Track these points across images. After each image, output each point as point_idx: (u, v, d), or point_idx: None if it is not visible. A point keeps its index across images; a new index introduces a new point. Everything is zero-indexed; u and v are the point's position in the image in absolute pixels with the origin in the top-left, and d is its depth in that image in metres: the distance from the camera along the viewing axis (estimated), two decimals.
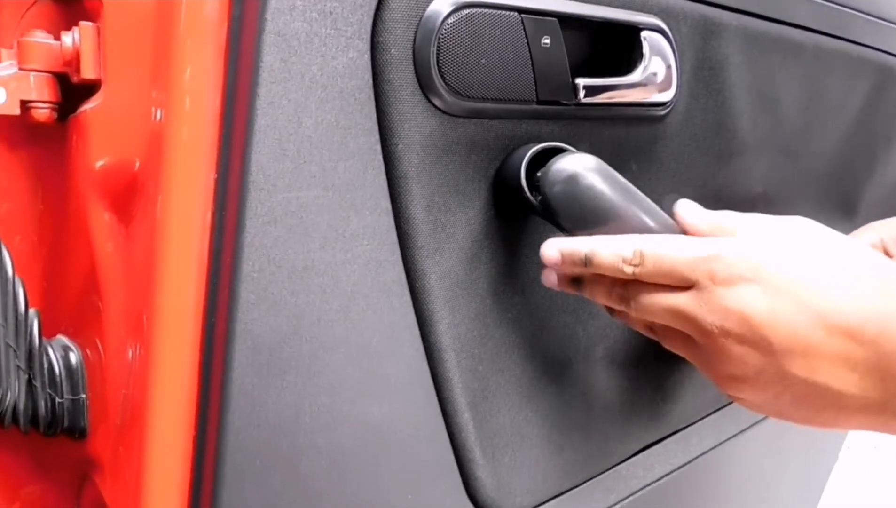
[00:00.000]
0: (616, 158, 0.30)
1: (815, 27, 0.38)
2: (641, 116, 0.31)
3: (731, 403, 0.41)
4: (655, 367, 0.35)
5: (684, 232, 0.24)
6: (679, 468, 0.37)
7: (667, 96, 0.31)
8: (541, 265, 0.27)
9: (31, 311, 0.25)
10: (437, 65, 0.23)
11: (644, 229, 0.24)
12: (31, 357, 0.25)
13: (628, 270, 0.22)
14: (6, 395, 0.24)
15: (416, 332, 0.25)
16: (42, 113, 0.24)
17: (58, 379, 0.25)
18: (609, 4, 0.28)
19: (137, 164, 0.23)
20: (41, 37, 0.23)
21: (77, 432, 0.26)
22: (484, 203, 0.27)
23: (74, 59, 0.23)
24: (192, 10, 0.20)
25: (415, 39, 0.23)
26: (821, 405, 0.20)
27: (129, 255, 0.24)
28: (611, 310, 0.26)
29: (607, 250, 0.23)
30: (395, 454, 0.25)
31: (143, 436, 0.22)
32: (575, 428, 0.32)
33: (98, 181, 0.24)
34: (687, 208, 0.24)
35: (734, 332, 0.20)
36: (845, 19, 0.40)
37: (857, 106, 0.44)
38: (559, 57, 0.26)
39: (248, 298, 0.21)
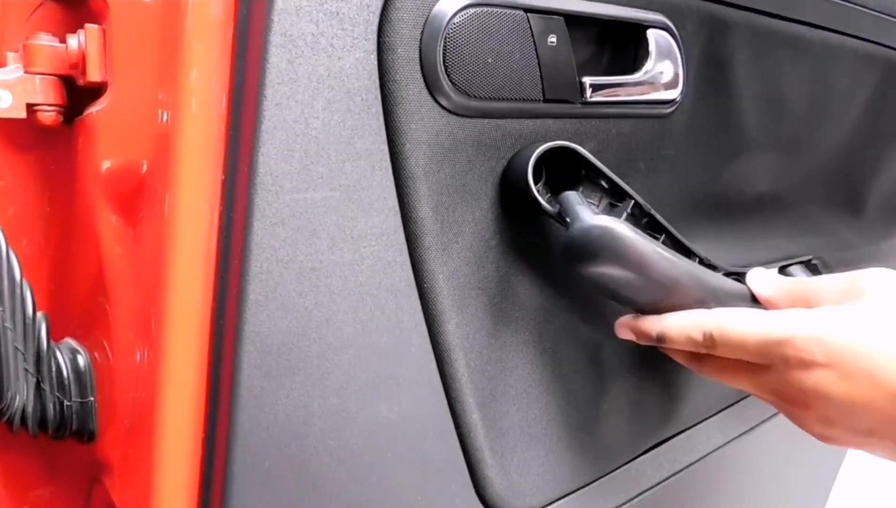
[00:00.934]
0: (623, 155, 0.30)
1: (821, 23, 0.38)
2: (648, 113, 0.31)
3: (739, 401, 0.41)
4: (663, 366, 0.35)
5: (759, 302, 0.24)
6: (688, 466, 0.37)
7: (673, 94, 0.31)
8: (549, 267, 0.27)
9: (39, 314, 0.25)
10: (444, 64, 0.23)
11: (679, 281, 0.23)
12: (40, 360, 0.25)
13: (702, 350, 0.23)
14: (15, 398, 0.24)
15: (425, 332, 0.25)
16: (48, 116, 0.24)
17: (66, 382, 0.25)
18: (615, 3, 0.28)
19: (145, 166, 0.23)
20: (46, 40, 0.23)
21: (86, 435, 0.26)
22: (491, 202, 0.27)
23: (80, 62, 0.23)
24: (198, 12, 0.20)
25: (421, 39, 0.22)
26: None
27: (137, 257, 0.24)
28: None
29: (677, 331, 0.24)
30: (404, 454, 0.25)
31: (152, 438, 0.22)
32: (584, 427, 0.32)
33: (105, 184, 0.24)
34: (759, 279, 0.24)
35: (815, 410, 0.22)
36: (851, 15, 0.40)
37: (864, 102, 0.43)
38: (566, 55, 0.26)
39: (257, 299, 0.21)
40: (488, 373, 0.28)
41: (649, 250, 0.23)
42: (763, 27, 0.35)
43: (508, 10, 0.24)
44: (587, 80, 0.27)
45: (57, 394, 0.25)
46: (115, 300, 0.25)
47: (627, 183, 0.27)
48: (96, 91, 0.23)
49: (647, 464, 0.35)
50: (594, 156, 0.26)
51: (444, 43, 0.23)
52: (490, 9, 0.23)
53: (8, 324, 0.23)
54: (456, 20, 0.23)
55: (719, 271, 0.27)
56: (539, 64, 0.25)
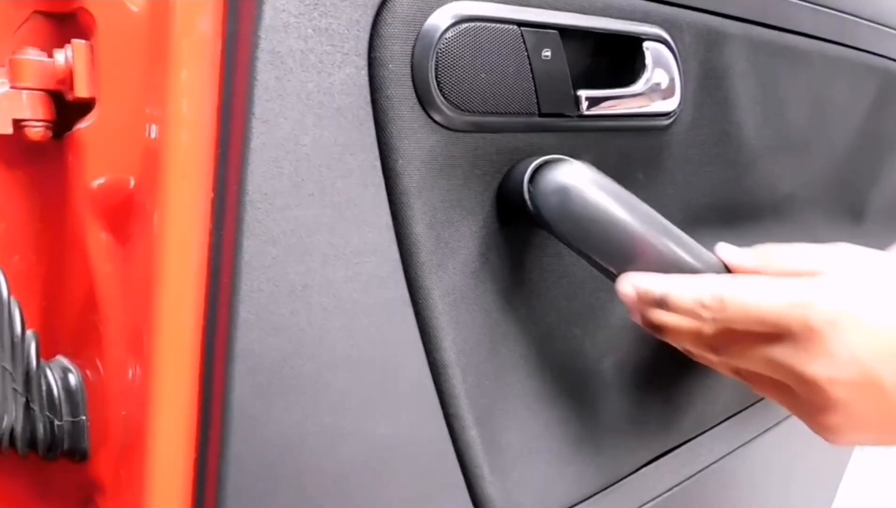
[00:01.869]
0: (621, 168, 0.30)
1: (818, 34, 0.38)
2: (646, 126, 0.30)
3: (740, 412, 0.41)
4: (664, 378, 0.34)
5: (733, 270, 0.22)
6: (690, 477, 0.37)
7: (670, 106, 0.30)
8: (546, 280, 0.26)
9: (29, 332, 0.24)
10: (437, 80, 0.23)
11: (645, 241, 0.23)
12: (29, 380, 0.24)
13: (706, 314, 0.21)
14: (2, 419, 0.23)
15: (421, 348, 0.25)
16: (36, 132, 0.23)
17: (57, 401, 0.25)
18: (611, 15, 0.27)
19: (133, 182, 0.22)
20: (34, 54, 0.23)
21: (78, 454, 0.26)
22: (487, 217, 0.26)
23: (68, 78, 0.22)
24: (185, 28, 0.20)
25: (413, 54, 0.22)
26: None
27: (128, 274, 0.23)
28: (689, 350, 0.24)
29: (684, 291, 0.21)
30: (401, 472, 0.25)
31: (144, 457, 0.22)
32: (584, 441, 0.31)
33: (94, 201, 0.23)
34: (734, 251, 0.22)
35: (841, 379, 0.19)
36: (849, 26, 0.40)
37: (862, 112, 0.43)
38: (561, 69, 0.25)
39: (248, 318, 0.21)
40: (485, 389, 0.27)
41: (593, 194, 0.22)
42: (760, 39, 0.34)
43: (502, 25, 0.24)
44: (583, 93, 0.27)
45: (47, 414, 0.25)
46: (107, 318, 0.25)
47: None
48: (85, 106, 0.23)
49: (649, 476, 0.35)
50: (600, 173, 0.26)
51: (437, 58, 0.22)
52: (483, 23, 0.23)
53: None
54: (448, 35, 0.22)
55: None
56: (533, 78, 0.25)
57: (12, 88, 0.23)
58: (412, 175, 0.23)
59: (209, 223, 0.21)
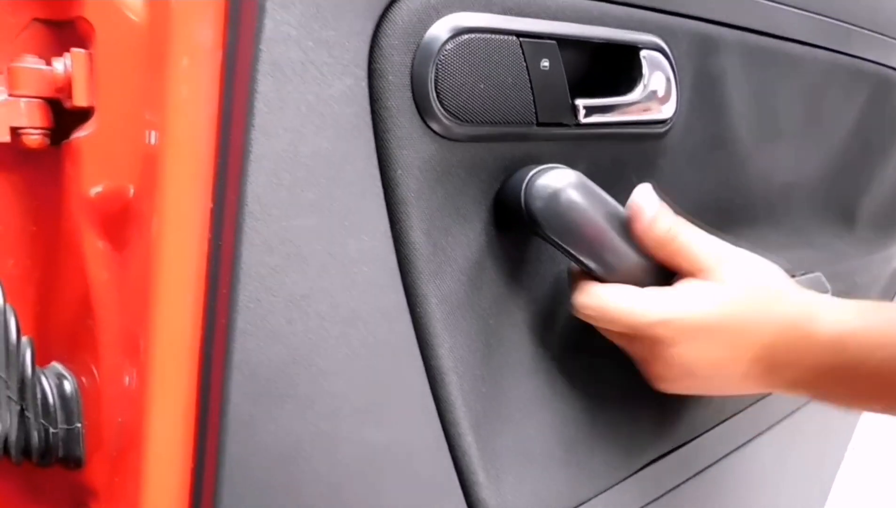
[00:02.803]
0: (617, 175, 0.30)
1: (812, 41, 0.38)
2: (642, 133, 0.31)
3: (734, 415, 0.41)
4: None
5: (638, 235, 0.27)
6: (686, 480, 0.37)
7: (667, 113, 0.31)
8: (542, 286, 0.27)
9: (24, 339, 0.24)
10: (436, 90, 0.23)
11: (620, 247, 0.26)
12: (24, 387, 0.24)
13: (593, 323, 0.29)
14: None
15: (418, 355, 0.25)
16: (34, 140, 0.23)
17: (52, 409, 0.25)
18: (607, 24, 0.28)
19: (131, 191, 0.22)
20: (32, 62, 0.23)
21: (73, 462, 0.26)
22: (484, 225, 0.26)
23: (66, 86, 0.22)
24: (185, 38, 0.20)
25: (412, 65, 0.22)
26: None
27: (125, 282, 0.23)
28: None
29: (577, 305, 0.28)
30: (397, 478, 0.25)
31: (140, 464, 0.22)
32: (579, 445, 0.31)
33: (91, 208, 0.23)
34: (643, 208, 0.26)
35: (669, 375, 0.28)
36: (842, 33, 0.40)
37: (855, 118, 0.44)
38: (558, 79, 0.26)
39: (245, 328, 0.21)
40: (482, 394, 0.28)
41: (580, 198, 0.25)
42: (754, 46, 0.35)
43: (501, 36, 0.24)
44: (580, 102, 0.27)
45: (42, 421, 0.25)
46: (103, 325, 0.25)
47: (621, 203, 0.27)
48: (83, 114, 0.23)
49: (646, 480, 0.35)
50: (588, 177, 0.26)
51: (436, 69, 0.23)
52: (482, 35, 0.23)
53: None
54: (448, 47, 0.23)
55: None
56: (532, 88, 0.25)
57: (10, 95, 0.23)
58: (410, 184, 0.23)
59: (208, 232, 0.21)
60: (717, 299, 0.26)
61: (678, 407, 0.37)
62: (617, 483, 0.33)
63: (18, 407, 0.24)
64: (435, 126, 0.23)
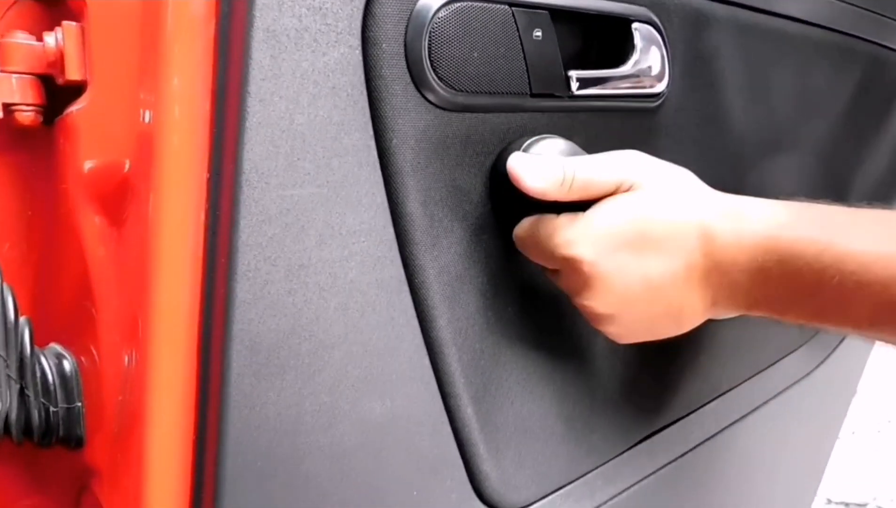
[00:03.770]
0: (612, 149, 0.30)
1: (804, 18, 0.38)
2: (635, 107, 0.31)
3: (731, 390, 0.42)
4: (656, 356, 0.35)
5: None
6: (682, 455, 0.37)
7: (659, 87, 0.31)
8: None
9: (22, 319, 0.24)
10: (430, 59, 0.23)
11: None
12: (23, 367, 0.24)
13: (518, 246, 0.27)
14: None
15: (417, 327, 0.25)
16: (26, 116, 0.23)
17: (51, 388, 0.25)
18: None
19: (127, 165, 0.22)
20: (23, 38, 0.23)
21: (73, 441, 0.26)
22: (481, 197, 0.27)
23: (58, 61, 0.22)
24: (178, 8, 0.20)
25: (406, 34, 0.22)
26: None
27: (122, 258, 0.23)
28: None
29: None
30: (398, 450, 0.25)
31: (141, 442, 0.22)
32: (578, 419, 0.32)
33: (87, 184, 0.23)
34: (530, 170, 0.25)
35: (601, 310, 0.26)
36: (835, 10, 0.41)
37: (848, 96, 0.44)
38: (551, 49, 0.26)
39: (245, 297, 0.21)
40: (482, 368, 0.28)
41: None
42: (747, 22, 0.35)
43: (493, 5, 0.24)
44: (573, 74, 0.27)
45: (42, 400, 0.25)
46: (101, 303, 0.24)
47: None
48: (76, 90, 0.23)
49: (643, 454, 0.35)
50: (583, 150, 0.27)
51: (429, 38, 0.23)
52: (474, 3, 0.23)
53: None
54: (440, 14, 0.23)
55: None
56: (525, 58, 0.25)
57: (1, 72, 0.22)
58: (406, 154, 0.23)
59: (205, 204, 0.21)
60: (632, 206, 0.24)
61: (676, 382, 0.37)
62: (615, 457, 0.34)
63: (18, 386, 0.24)
64: (430, 95, 0.23)
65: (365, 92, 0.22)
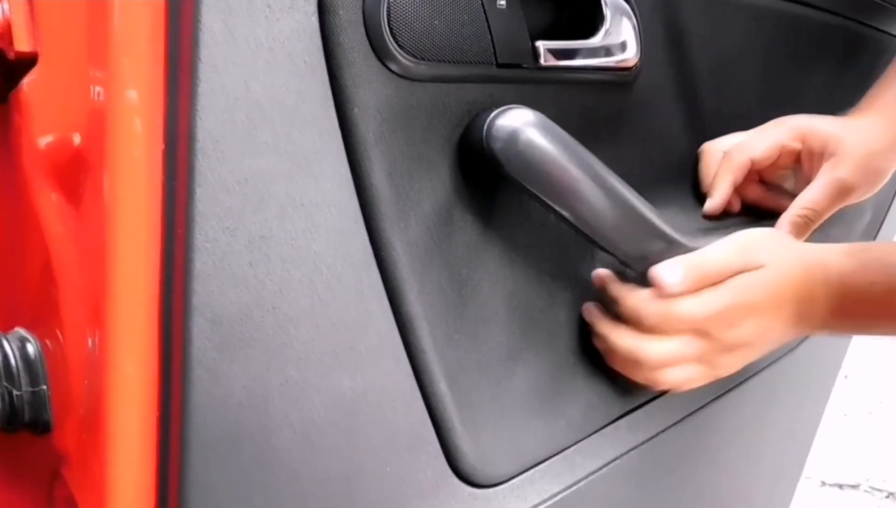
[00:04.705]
0: (584, 124, 0.30)
1: None
2: (606, 80, 0.31)
3: None
4: None
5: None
6: (664, 430, 0.38)
7: (631, 60, 0.31)
8: (517, 237, 0.28)
9: None
10: (389, 27, 0.22)
11: (586, 184, 0.26)
12: None
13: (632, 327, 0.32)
14: None
15: (386, 302, 0.25)
16: None
17: (14, 371, 0.25)
18: None
19: (81, 138, 0.22)
20: None
21: (40, 425, 0.25)
22: (450, 170, 0.26)
23: (6, 33, 0.22)
24: None
25: (364, 1, 0.22)
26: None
27: (81, 236, 0.23)
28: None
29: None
30: (370, 426, 0.25)
31: (105, 423, 0.22)
32: (556, 395, 0.32)
33: (42, 159, 0.23)
34: (667, 272, 0.30)
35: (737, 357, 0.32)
36: None
37: (822, 72, 0.44)
38: (517, 18, 0.26)
39: (204, 269, 0.20)
40: (455, 342, 0.28)
41: (539, 137, 0.26)
42: None
43: None
44: (541, 44, 0.27)
45: (5, 384, 0.24)
46: (63, 284, 0.24)
47: (589, 150, 0.27)
48: (29, 65, 0.23)
49: (623, 429, 0.35)
50: (554, 123, 0.26)
51: (388, 5, 0.22)
52: None
53: None
54: None
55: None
56: (489, 27, 0.25)
57: None
58: (369, 125, 0.23)
59: (161, 176, 0.20)
60: (766, 284, 0.30)
61: None
62: (595, 432, 0.34)
63: None
64: (391, 65, 0.23)
65: (323, 60, 0.22)
